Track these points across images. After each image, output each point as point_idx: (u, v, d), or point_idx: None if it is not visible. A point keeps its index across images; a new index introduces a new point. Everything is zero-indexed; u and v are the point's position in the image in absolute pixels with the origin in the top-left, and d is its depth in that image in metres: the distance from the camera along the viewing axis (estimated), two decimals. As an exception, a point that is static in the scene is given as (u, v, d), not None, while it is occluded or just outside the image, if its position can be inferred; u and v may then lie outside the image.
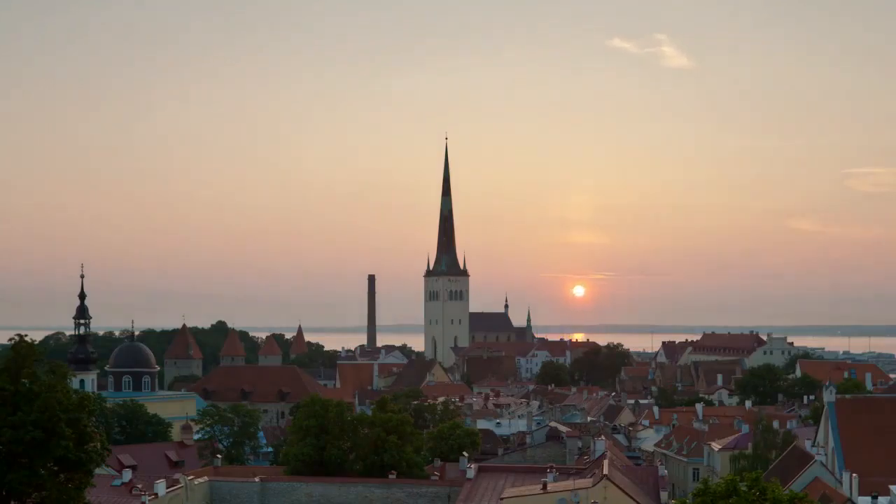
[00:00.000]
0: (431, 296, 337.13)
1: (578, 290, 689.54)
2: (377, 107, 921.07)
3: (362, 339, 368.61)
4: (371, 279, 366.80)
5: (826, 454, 72.08)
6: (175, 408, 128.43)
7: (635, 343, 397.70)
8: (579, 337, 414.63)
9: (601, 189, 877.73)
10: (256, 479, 69.86)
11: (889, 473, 63.07)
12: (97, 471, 54.43)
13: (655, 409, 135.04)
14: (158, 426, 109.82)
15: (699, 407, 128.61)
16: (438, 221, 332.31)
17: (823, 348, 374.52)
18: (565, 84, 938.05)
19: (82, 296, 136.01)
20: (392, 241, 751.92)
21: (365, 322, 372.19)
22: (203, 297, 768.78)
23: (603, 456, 66.59)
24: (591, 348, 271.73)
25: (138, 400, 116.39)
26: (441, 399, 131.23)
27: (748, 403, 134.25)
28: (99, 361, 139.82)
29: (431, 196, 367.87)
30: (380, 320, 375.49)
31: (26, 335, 53.23)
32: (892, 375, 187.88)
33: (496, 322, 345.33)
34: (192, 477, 68.68)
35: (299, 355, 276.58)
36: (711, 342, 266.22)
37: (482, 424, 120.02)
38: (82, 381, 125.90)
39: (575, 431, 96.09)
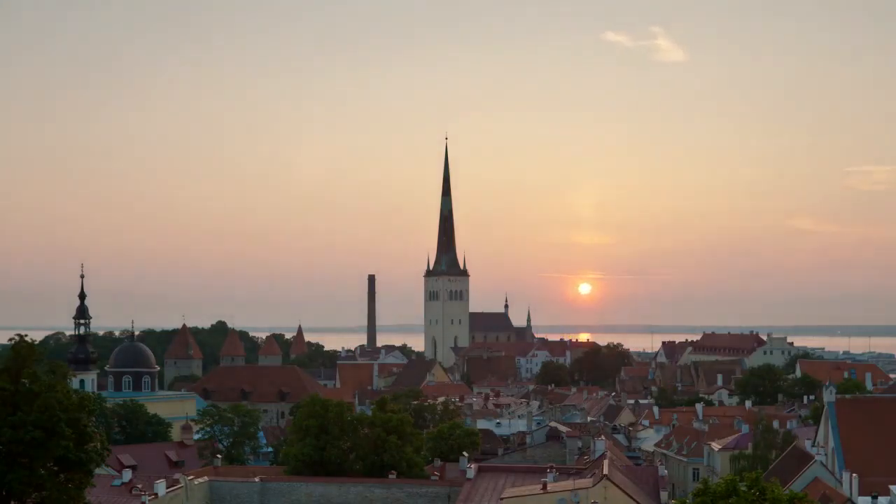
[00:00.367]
0: (431, 296, 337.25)
1: (584, 288, 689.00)
2: (377, 107, 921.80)
3: (362, 339, 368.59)
4: (371, 279, 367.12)
5: (826, 454, 72.05)
6: (175, 408, 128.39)
7: (635, 343, 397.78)
8: (587, 337, 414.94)
9: (601, 189, 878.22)
10: (256, 479, 69.81)
11: (889, 473, 63.07)
12: (97, 471, 54.42)
13: (655, 409, 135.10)
14: (158, 426, 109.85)
15: (699, 407, 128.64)
16: (438, 221, 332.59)
17: (823, 348, 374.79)
18: (565, 83, 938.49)
19: (82, 296, 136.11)
20: (392, 241, 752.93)
21: (365, 322, 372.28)
22: (203, 297, 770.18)
23: (603, 456, 66.58)
24: (591, 348, 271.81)
25: (138, 400, 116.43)
26: (441, 399, 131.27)
27: (748, 403, 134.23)
28: (99, 361, 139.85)
29: (431, 196, 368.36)
30: (380, 320, 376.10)
31: (26, 335, 53.22)
32: (892, 375, 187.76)
33: (496, 322, 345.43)
34: (192, 477, 68.64)
35: (299, 355, 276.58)
36: (711, 342, 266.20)
37: (482, 424, 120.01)
38: (82, 381, 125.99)
39: (575, 431, 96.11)
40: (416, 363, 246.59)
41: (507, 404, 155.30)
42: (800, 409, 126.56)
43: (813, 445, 74.67)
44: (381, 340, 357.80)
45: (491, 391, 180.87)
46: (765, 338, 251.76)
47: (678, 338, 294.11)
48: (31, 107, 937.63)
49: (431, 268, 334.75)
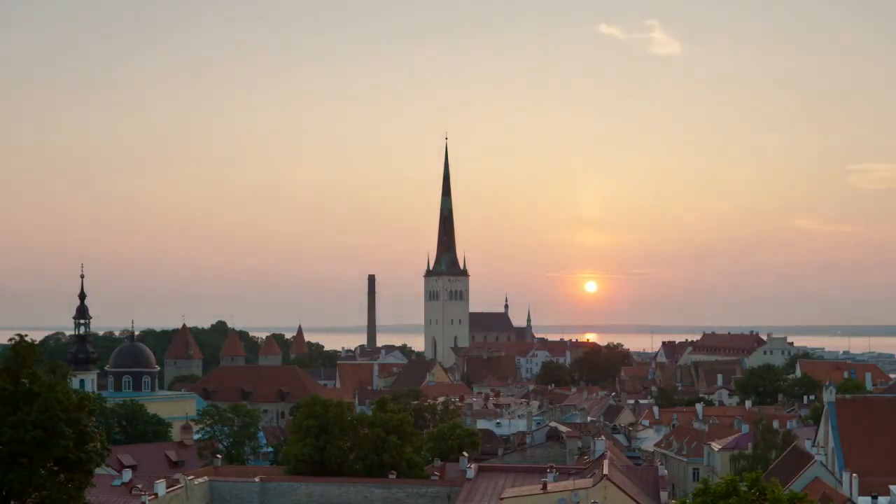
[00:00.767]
0: (431, 296, 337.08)
1: (591, 286, 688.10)
2: (377, 106, 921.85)
3: (362, 339, 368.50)
4: (371, 279, 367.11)
5: (826, 454, 72.05)
6: (175, 408, 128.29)
7: (635, 343, 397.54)
8: (592, 337, 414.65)
9: (601, 188, 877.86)
10: (256, 479, 69.86)
11: (889, 473, 63.05)
12: (97, 471, 54.47)
13: (655, 409, 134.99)
14: (158, 426, 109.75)
15: (699, 407, 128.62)
16: (438, 221, 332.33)
17: (823, 348, 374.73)
18: (565, 81, 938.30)
19: (82, 296, 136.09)
20: (392, 241, 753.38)
21: (365, 322, 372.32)
22: (203, 297, 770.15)
23: (603, 456, 66.56)
24: (591, 348, 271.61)
25: (138, 400, 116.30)
26: (441, 399, 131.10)
27: (748, 403, 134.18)
28: (99, 361, 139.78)
29: (431, 196, 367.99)
30: (380, 320, 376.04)
31: (26, 335, 53.22)
32: (892, 375, 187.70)
33: (496, 322, 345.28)
34: (192, 477, 68.69)
35: (299, 355, 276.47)
36: (711, 342, 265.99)
37: (482, 424, 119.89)
38: (82, 381, 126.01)
39: (575, 431, 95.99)
40: (416, 363, 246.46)
41: (507, 404, 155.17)
42: (800, 409, 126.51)
43: (813, 445, 74.68)
44: (381, 340, 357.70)
45: (491, 391, 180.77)
46: (765, 338, 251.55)
47: (678, 338, 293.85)
48: (32, 107, 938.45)
49: (431, 268, 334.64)
